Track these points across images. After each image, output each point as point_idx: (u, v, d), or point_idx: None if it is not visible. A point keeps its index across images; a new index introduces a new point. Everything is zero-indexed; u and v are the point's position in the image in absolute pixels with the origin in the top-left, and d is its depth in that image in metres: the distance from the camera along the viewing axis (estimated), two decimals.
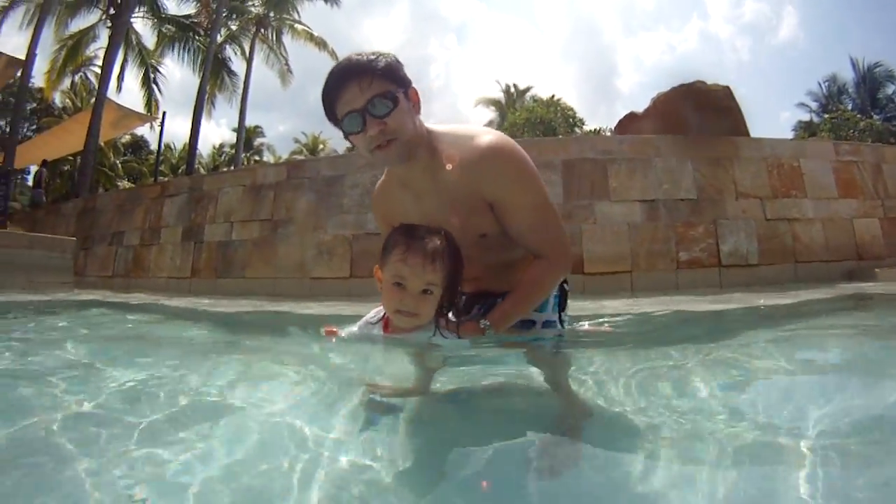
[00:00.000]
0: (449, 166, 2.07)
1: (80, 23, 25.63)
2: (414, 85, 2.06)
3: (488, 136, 2.07)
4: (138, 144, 43.94)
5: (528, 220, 2.10)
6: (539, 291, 2.20)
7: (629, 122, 10.76)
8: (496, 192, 2.06)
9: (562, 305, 2.43)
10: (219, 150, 48.73)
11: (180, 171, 41.67)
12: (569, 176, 8.26)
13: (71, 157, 29.66)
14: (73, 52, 25.99)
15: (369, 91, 1.91)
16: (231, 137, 44.30)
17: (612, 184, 8.16)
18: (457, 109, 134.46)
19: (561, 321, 2.43)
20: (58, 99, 33.04)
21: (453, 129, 2.16)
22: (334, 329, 2.36)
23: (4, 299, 5.96)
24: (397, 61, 2.00)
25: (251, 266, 9.90)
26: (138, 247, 11.98)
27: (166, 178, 29.08)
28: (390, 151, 1.98)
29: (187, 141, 28.96)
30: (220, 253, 10.49)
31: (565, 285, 2.45)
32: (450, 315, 2.06)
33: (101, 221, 13.25)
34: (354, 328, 2.26)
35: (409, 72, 2.04)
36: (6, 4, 24.30)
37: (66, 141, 25.10)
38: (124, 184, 37.38)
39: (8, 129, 44.93)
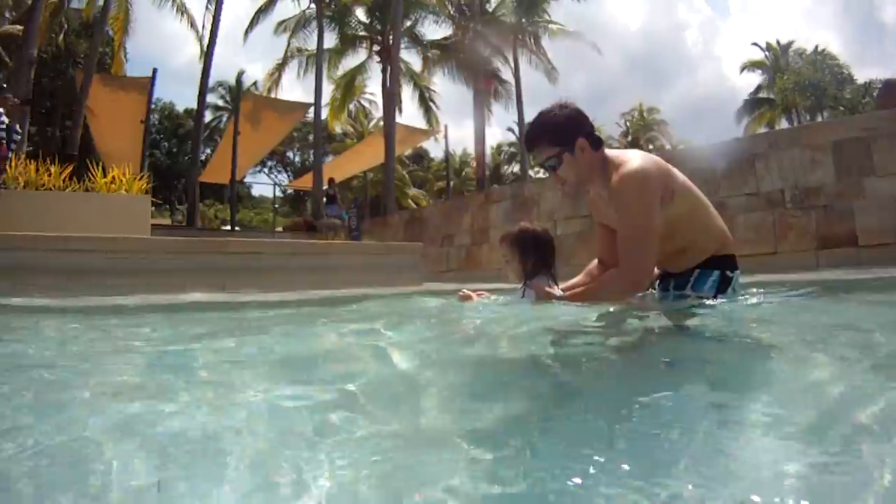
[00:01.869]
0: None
1: (349, 63, 30.28)
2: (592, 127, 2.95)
3: (625, 167, 2.76)
4: (419, 155, 49.23)
5: (621, 235, 2.82)
6: (600, 292, 2.93)
7: (890, 91, 11.34)
8: (614, 207, 2.86)
9: (720, 289, 2.92)
10: (497, 150, 52.53)
11: (463, 173, 46.30)
12: (838, 156, 9.07)
13: (360, 175, 34.71)
14: (348, 88, 30.81)
15: (540, 157, 2.95)
16: (505, 136, 47.73)
17: (877, 159, 8.71)
18: (723, 75, 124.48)
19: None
20: (338, 127, 38.05)
21: (616, 156, 2.91)
22: (470, 294, 3.53)
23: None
24: (566, 121, 2.89)
25: (576, 255, 10.92)
26: (469, 245, 14.86)
27: (451, 182, 32.49)
28: (566, 188, 3.00)
29: (465, 147, 32.12)
30: None
31: (728, 272, 2.95)
32: (535, 281, 3.22)
33: (430, 228, 16.33)
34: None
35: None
36: (280, 62, 29.94)
37: (356, 161, 30.09)
38: (413, 192, 42.40)
39: (296, 158, 53.12)
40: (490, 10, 30.83)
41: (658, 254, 2.83)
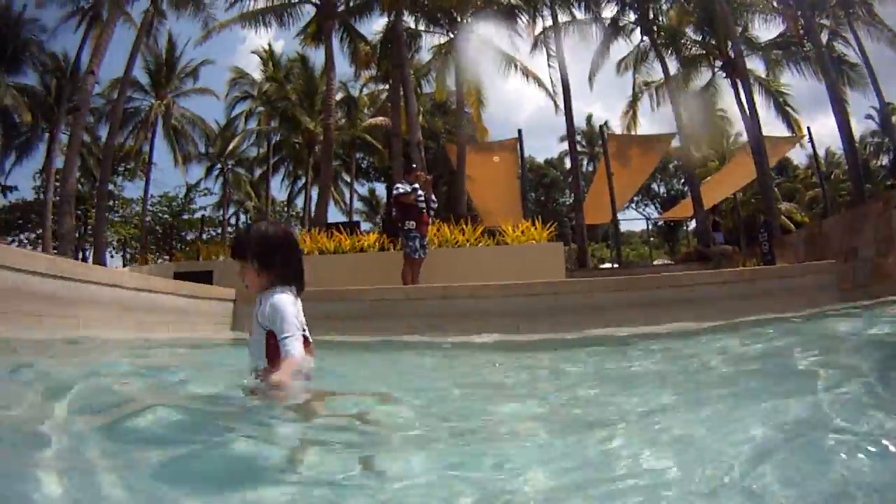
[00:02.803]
0: None
1: (696, 85, 30.11)
2: None
3: None
4: (782, 166, 46.70)
5: None
6: None
7: None
8: None
9: None
10: (861, 144, 48.08)
11: (832, 175, 43.22)
12: None
13: (730, 197, 33.84)
14: None
15: None
16: (865, 125, 44.26)
17: None
18: None
19: None
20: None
21: None
22: None
23: None
24: None
25: None
26: (875, 258, 13.78)
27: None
28: None
29: (827, 146, 31.08)
30: None
31: None
32: None
33: (830, 242, 15.42)
34: None
35: None
36: (631, 99, 30.82)
37: (725, 183, 29.80)
38: (784, 206, 40.56)
39: (660, 188, 53.69)
40: None
41: None
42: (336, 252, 12.89)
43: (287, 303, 2.87)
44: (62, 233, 18.65)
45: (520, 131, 22.53)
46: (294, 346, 2.76)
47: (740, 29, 27.61)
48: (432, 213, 11.31)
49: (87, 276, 6.23)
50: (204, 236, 42.86)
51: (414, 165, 12.16)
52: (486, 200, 25.67)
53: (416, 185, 10.80)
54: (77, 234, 33.48)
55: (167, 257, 37.39)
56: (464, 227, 12.68)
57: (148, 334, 6.71)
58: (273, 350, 2.87)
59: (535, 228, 12.42)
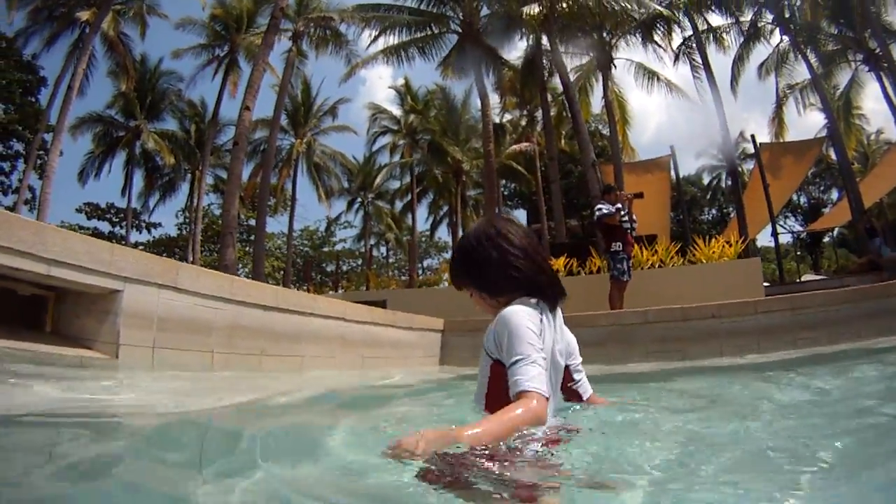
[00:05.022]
0: None
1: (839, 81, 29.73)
2: None
3: None
4: None
5: None
6: None
7: None
8: None
9: None
10: None
11: None
12: None
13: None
14: (846, 109, 30.01)
15: None
16: None
17: None
18: None
19: None
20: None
21: None
22: None
23: None
24: None
25: None
26: None
27: None
28: None
29: None
30: None
31: None
32: None
33: None
34: None
35: None
36: (776, 104, 30.37)
37: (874, 187, 28.25)
38: None
39: (800, 199, 52.10)
40: None
41: None
42: None
43: (520, 313, 2.03)
44: (226, 263, 18.74)
45: (672, 148, 22.77)
46: (529, 375, 1.85)
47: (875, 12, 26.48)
48: (633, 232, 11.13)
49: (311, 308, 6.02)
50: (345, 267, 44.75)
51: (612, 185, 12.10)
52: (637, 218, 25.08)
53: (619, 205, 10.58)
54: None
55: (307, 288, 39.25)
56: (657, 248, 12.87)
57: (369, 371, 6.61)
58: (496, 385, 2.03)
59: (730, 245, 12.46)
